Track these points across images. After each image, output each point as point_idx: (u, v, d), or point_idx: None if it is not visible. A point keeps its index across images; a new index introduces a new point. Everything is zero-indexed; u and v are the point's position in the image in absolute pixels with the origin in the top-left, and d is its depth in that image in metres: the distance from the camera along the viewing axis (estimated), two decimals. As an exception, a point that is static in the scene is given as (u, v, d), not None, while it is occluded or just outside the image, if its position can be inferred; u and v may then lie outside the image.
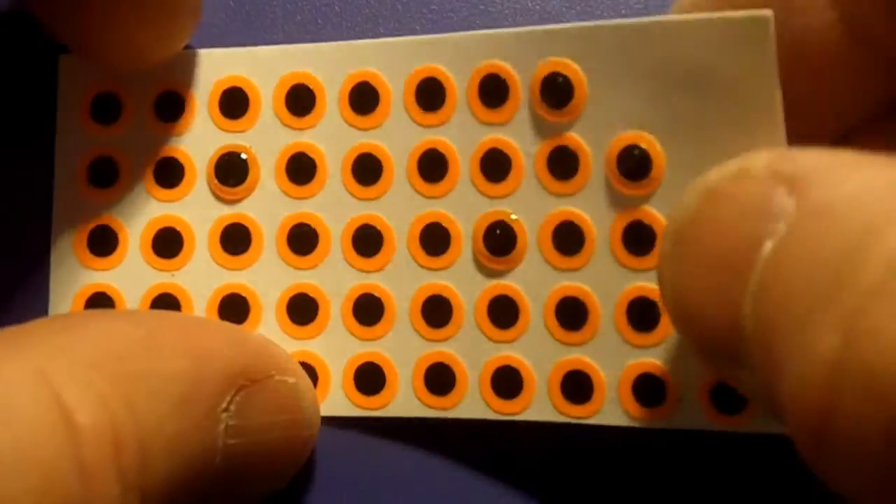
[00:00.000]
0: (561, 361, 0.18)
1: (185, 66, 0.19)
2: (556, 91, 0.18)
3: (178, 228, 0.19)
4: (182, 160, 0.19)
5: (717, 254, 0.14)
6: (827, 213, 0.13)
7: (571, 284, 0.18)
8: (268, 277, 0.19)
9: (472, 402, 0.18)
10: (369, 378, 0.18)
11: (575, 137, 0.18)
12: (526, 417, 0.18)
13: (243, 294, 0.19)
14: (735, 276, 0.13)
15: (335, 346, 0.19)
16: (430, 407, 0.18)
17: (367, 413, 0.18)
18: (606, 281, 0.18)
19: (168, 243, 0.19)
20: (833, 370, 0.12)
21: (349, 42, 0.19)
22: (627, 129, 0.17)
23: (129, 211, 0.19)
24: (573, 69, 0.18)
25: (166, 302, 0.19)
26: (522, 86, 0.18)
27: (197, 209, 0.19)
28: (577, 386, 0.18)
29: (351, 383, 0.18)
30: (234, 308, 0.19)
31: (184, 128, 0.19)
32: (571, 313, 0.18)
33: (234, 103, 0.19)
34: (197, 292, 0.19)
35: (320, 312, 0.19)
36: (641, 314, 0.17)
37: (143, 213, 0.19)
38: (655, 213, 0.17)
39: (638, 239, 0.18)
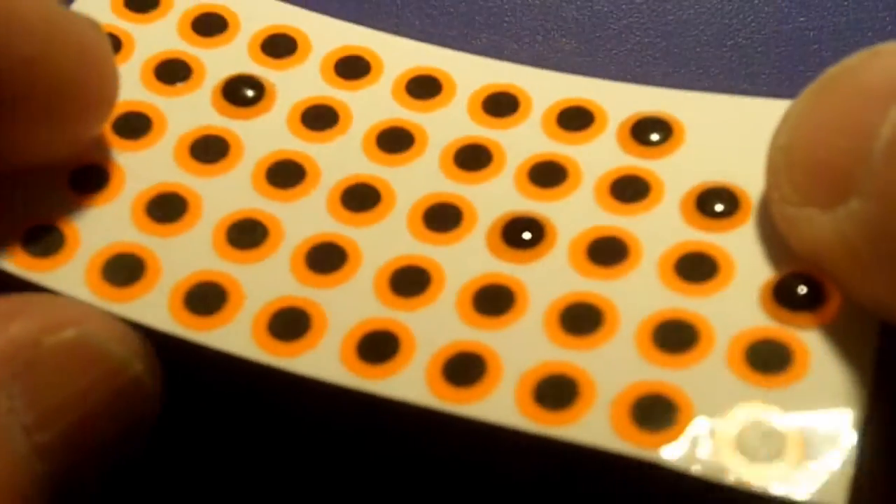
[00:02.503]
0: (550, 363, 0.15)
1: None
2: (651, 130, 0.17)
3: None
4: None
5: (858, 97, 0.15)
6: None
7: (589, 291, 0.16)
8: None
9: (409, 381, 0.15)
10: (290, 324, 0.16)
11: (655, 173, 0.17)
12: (478, 414, 0.15)
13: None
14: (870, 117, 0.14)
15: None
16: (354, 374, 0.15)
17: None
18: (637, 300, 0.16)
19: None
20: None
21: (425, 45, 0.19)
22: (717, 178, 0.17)
23: None
24: (675, 120, 0.17)
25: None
26: (611, 121, 0.18)
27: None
28: (558, 389, 0.15)
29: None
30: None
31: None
32: (582, 319, 0.16)
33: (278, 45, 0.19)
34: None
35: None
36: (672, 335, 0.15)
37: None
38: (724, 250, 0.16)
39: (695, 266, 0.16)
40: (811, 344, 0.15)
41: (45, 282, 0.16)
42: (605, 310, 0.16)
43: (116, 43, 0.19)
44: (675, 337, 0.15)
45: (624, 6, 0.22)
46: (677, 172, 0.17)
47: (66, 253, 0.16)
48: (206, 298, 0.16)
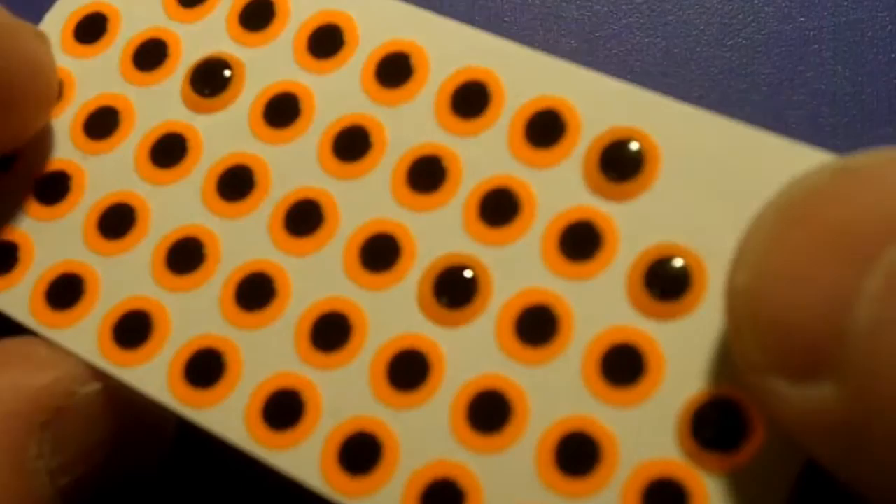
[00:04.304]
0: (444, 462, 0.14)
1: None
2: (622, 159, 0.14)
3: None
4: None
5: (838, 236, 0.11)
6: None
7: (505, 376, 0.14)
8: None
9: (304, 459, 0.14)
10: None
11: (612, 221, 0.14)
12: None
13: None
14: (854, 266, 0.11)
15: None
16: (254, 439, 0.14)
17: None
18: (553, 397, 0.14)
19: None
20: None
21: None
22: (675, 237, 0.14)
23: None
24: (652, 145, 0.14)
25: None
26: (583, 137, 0.15)
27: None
28: (443, 499, 0.14)
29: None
30: None
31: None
32: (489, 412, 0.14)
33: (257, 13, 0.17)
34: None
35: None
36: (574, 454, 0.14)
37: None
38: (658, 347, 0.14)
39: (622, 365, 0.14)
40: (714, 492, 0.13)
41: None
42: (516, 405, 0.14)
43: (103, 23, 0.17)
44: (576, 457, 0.13)
45: (624, 6, 0.22)
46: (638, 223, 0.14)
47: (17, 273, 0.16)
48: (132, 329, 0.15)
